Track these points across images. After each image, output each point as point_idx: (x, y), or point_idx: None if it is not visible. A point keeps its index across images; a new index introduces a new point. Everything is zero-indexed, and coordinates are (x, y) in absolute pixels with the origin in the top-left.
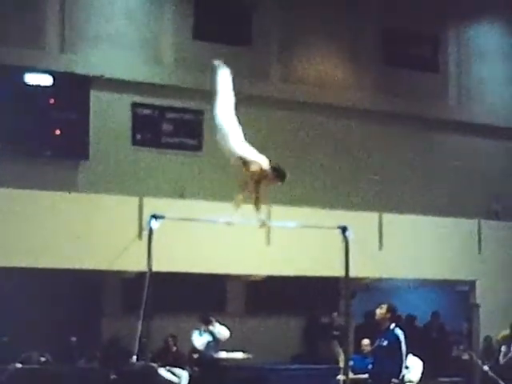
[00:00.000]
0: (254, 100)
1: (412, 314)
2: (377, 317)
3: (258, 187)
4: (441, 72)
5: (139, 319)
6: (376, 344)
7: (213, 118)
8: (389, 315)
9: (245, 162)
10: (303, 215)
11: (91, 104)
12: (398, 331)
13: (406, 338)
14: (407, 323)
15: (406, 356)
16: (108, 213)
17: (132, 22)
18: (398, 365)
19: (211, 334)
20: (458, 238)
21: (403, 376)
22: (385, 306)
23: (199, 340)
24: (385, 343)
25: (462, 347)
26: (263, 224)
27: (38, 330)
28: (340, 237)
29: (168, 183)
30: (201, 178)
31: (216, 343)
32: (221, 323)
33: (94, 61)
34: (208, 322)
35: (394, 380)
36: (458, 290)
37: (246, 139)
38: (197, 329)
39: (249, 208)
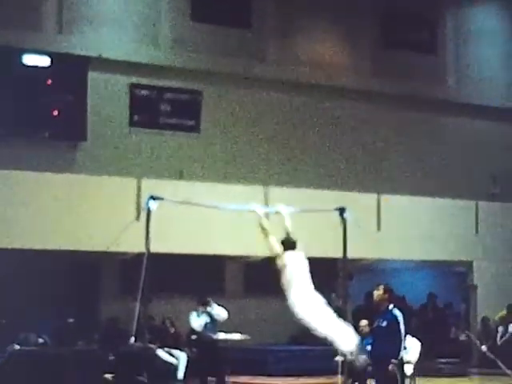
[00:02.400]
0: (252, 81)
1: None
2: (374, 298)
3: None
4: (439, 54)
5: (137, 301)
6: (375, 325)
7: None
8: (386, 296)
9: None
10: (301, 197)
11: (89, 85)
12: (397, 312)
13: (404, 318)
14: (404, 304)
15: (405, 337)
16: (106, 194)
17: (130, 3)
18: (397, 345)
19: (209, 315)
20: (456, 220)
21: (402, 357)
22: (381, 287)
23: (197, 321)
24: (383, 324)
25: (459, 328)
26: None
27: (36, 312)
28: (338, 218)
29: (166, 164)
30: (199, 158)
31: (214, 324)
32: (219, 304)
33: (91, 42)
34: (206, 304)
35: (393, 360)
36: (456, 271)
37: (244, 120)
38: (195, 310)
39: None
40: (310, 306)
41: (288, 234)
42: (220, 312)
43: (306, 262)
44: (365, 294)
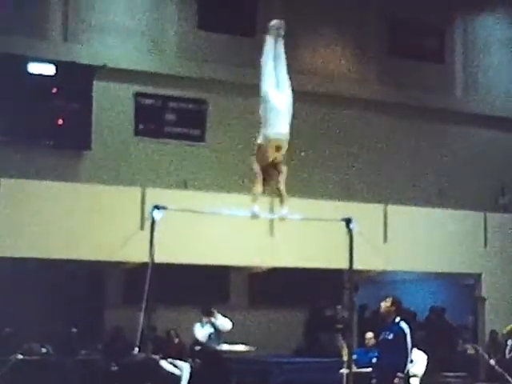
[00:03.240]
0: (258, 90)
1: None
2: (382, 310)
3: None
4: (447, 63)
5: (141, 311)
6: (381, 337)
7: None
8: (393, 308)
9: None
10: (307, 207)
11: (94, 94)
12: (404, 324)
13: (411, 331)
14: (411, 317)
15: (411, 350)
16: (110, 203)
17: (136, 11)
18: (404, 358)
19: (213, 326)
20: (464, 231)
21: (408, 370)
22: (390, 299)
23: (201, 332)
24: (390, 336)
25: (467, 341)
26: (282, 218)
27: (40, 321)
28: (344, 229)
29: (170, 174)
30: (203, 168)
31: (218, 335)
32: (223, 315)
33: (97, 50)
34: (210, 314)
35: (399, 374)
36: (464, 283)
37: (249, 130)
38: (199, 321)
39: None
40: None
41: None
42: (224, 323)
43: None
44: (359, 307)
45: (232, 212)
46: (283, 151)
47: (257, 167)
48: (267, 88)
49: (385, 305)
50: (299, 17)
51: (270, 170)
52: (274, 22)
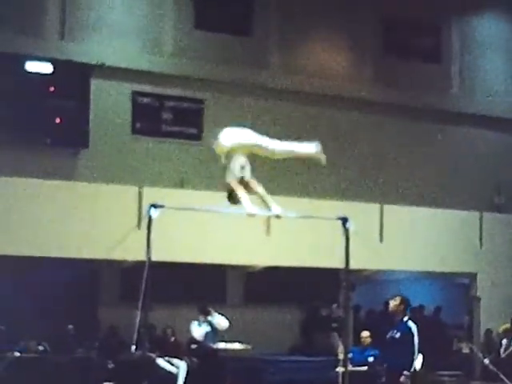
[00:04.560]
0: (254, 90)
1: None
2: (390, 308)
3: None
4: (443, 62)
5: (138, 309)
6: (388, 336)
7: None
8: (402, 307)
9: None
10: (303, 206)
11: (91, 92)
12: (411, 324)
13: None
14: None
15: (419, 349)
16: (107, 202)
17: (133, 10)
18: (410, 357)
19: (210, 324)
20: (460, 231)
21: (414, 368)
22: (398, 298)
23: (198, 330)
24: (397, 335)
25: (462, 340)
26: (278, 216)
27: (36, 319)
28: (340, 228)
29: (168, 172)
30: (200, 167)
31: (214, 334)
32: (220, 314)
33: (94, 49)
34: (207, 313)
35: (405, 372)
36: (459, 282)
37: (245, 129)
38: (196, 319)
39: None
40: None
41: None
42: (221, 321)
43: None
44: (355, 306)
45: (228, 210)
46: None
47: (234, 185)
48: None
49: (393, 303)
50: (295, 16)
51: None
52: None
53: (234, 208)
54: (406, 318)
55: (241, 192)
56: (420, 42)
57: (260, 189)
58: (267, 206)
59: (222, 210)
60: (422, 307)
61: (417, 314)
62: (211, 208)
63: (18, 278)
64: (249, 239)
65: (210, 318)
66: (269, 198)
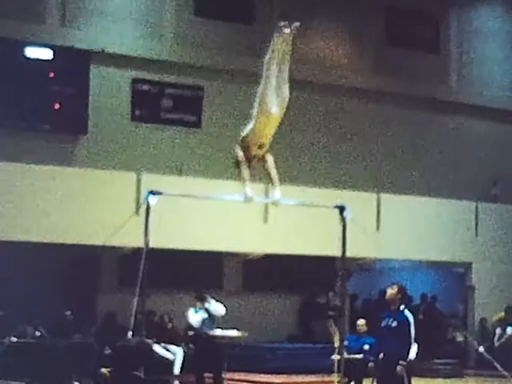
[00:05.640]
0: (254, 77)
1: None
2: (387, 297)
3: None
4: (442, 53)
5: (135, 295)
6: (383, 324)
7: None
8: (399, 296)
9: None
10: (301, 194)
11: (91, 79)
12: (408, 313)
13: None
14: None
15: (415, 339)
16: (106, 188)
17: None
18: (407, 347)
19: (207, 311)
20: (456, 220)
21: (410, 358)
22: (396, 286)
23: (194, 317)
24: (394, 324)
25: (457, 329)
26: (275, 203)
27: (34, 305)
28: (337, 216)
29: (166, 159)
30: (199, 154)
31: (211, 321)
32: (217, 300)
33: (94, 35)
34: (203, 300)
35: (401, 362)
36: (455, 271)
37: (245, 117)
38: (193, 306)
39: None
40: None
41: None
42: (218, 308)
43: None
44: (351, 294)
45: (226, 197)
46: (265, 149)
47: (241, 154)
48: (267, 92)
49: (390, 292)
50: (295, 6)
51: (254, 160)
52: (283, 24)
53: (231, 195)
54: (402, 307)
55: (244, 172)
56: (420, 33)
57: (272, 171)
58: (273, 186)
59: (219, 197)
60: (434, 297)
61: (424, 304)
62: (209, 195)
63: (16, 264)
64: (246, 227)
65: (207, 304)
66: (277, 181)
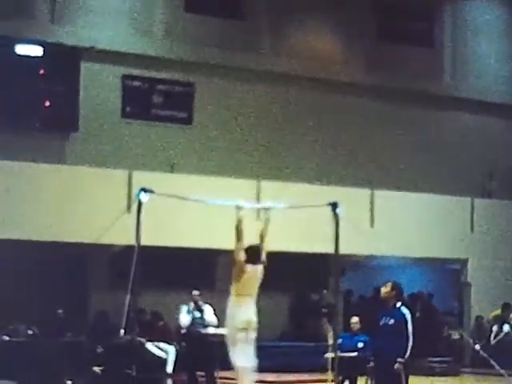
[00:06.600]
0: (245, 73)
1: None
2: (382, 295)
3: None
4: (435, 47)
5: (127, 293)
6: (381, 322)
7: None
8: (394, 293)
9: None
10: (293, 191)
11: (81, 75)
12: (405, 310)
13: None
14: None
15: (413, 336)
16: (97, 185)
17: None
18: (405, 344)
19: (199, 310)
20: (451, 216)
21: (408, 356)
22: (389, 284)
23: (187, 316)
24: (391, 322)
25: (452, 327)
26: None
27: (26, 303)
28: (330, 213)
29: (158, 156)
30: (190, 150)
31: (204, 319)
32: (210, 300)
33: (84, 32)
34: (198, 306)
35: (399, 359)
36: (450, 268)
37: (237, 113)
38: (185, 304)
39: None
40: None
41: (262, 238)
42: (211, 318)
43: (261, 275)
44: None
45: (217, 202)
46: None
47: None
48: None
49: (384, 290)
50: (287, 1)
51: None
52: None
53: (222, 200)
54: (399, 304)
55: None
56: (413, 27)
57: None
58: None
59: (210, 202)
60: (430, 295)
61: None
62: (200, 198)
63: (7, 262)
64: None
65: (200, 303)
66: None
